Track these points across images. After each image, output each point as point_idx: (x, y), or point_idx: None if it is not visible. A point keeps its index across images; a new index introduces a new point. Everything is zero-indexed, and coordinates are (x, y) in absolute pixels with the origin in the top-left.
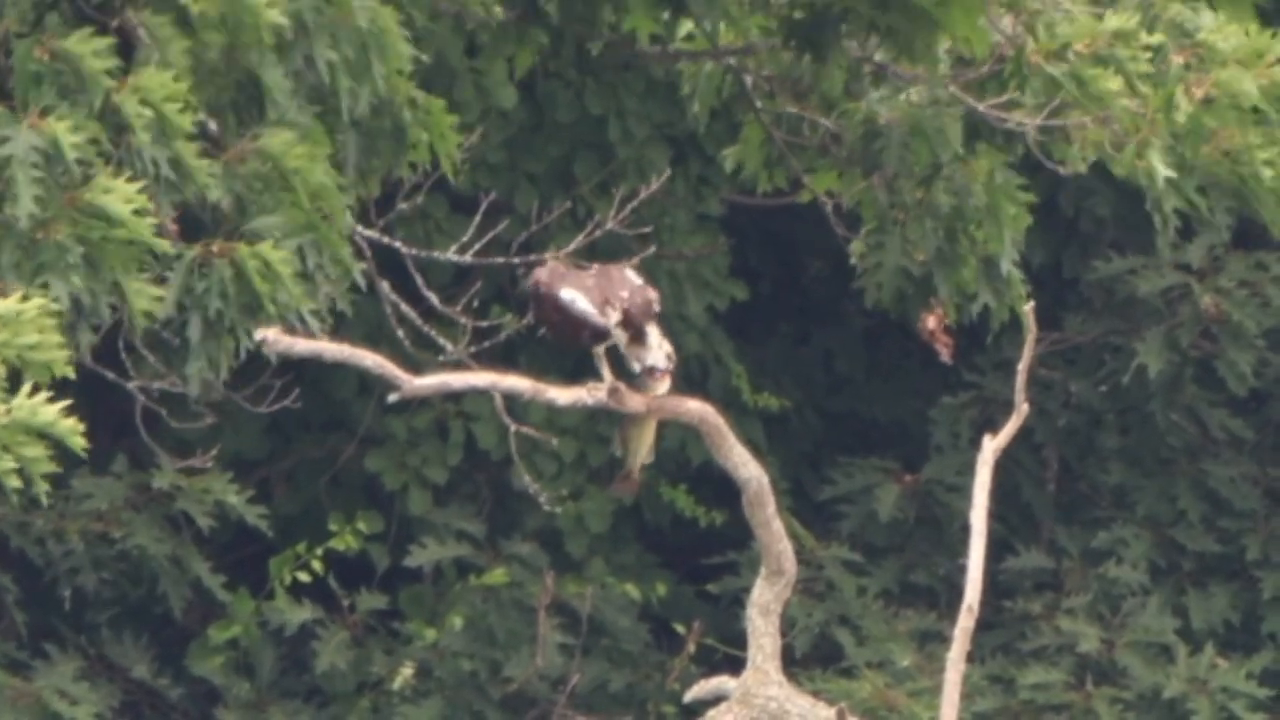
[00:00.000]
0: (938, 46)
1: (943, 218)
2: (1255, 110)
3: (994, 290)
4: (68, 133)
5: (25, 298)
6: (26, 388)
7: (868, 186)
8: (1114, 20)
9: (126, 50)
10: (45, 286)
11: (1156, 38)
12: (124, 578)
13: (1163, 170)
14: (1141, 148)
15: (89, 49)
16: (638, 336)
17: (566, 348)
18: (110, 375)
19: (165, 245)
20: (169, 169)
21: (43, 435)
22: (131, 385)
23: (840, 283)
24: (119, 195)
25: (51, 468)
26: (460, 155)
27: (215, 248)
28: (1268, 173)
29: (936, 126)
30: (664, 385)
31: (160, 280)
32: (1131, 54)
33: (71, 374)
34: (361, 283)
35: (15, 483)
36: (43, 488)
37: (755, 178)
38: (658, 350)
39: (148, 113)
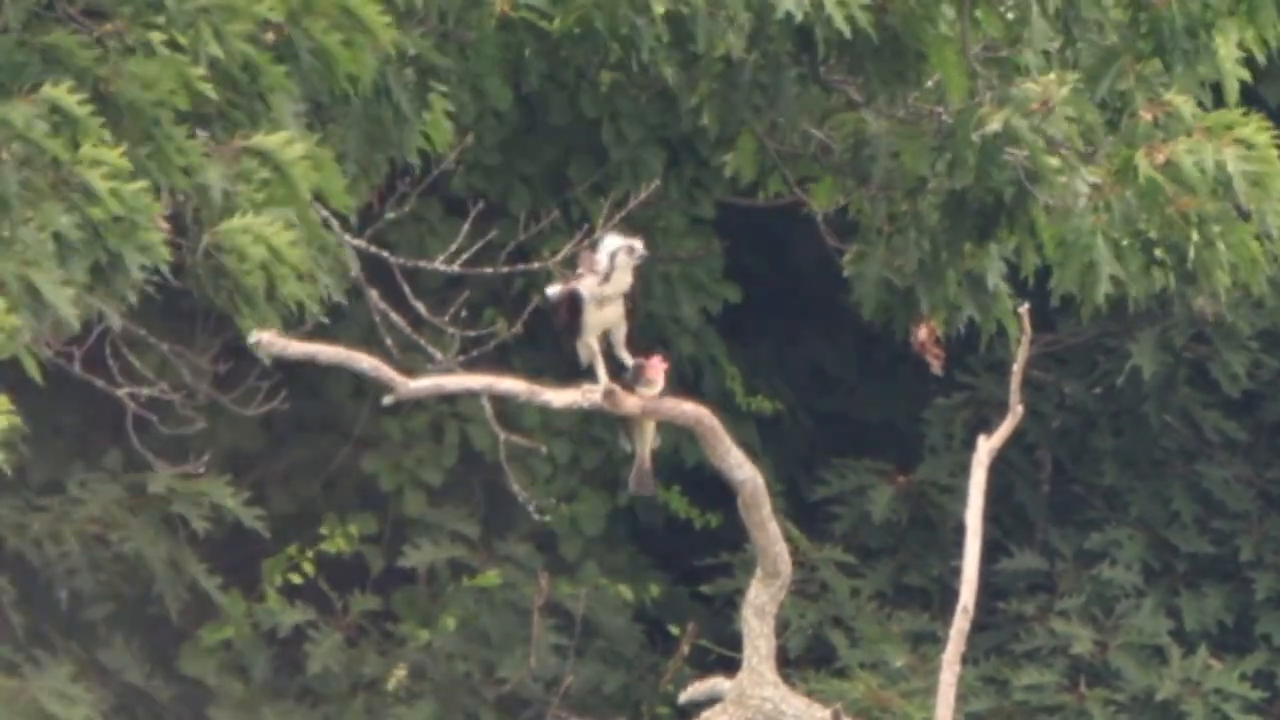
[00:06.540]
0: (924, 80)
1: (928, 230)
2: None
3: (980, 304)
4: (66, 94)
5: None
6: None
7: (859, 197)
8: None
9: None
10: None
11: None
12: (120, 579)
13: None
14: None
15: (74, 42)
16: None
17: (576, 336)
18: (99, 383)
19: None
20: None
21: None
22: (120, 393)
23: (833, 285)
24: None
25: None
26: (454, 157)
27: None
28: (1221, 246)
29: (921, 142)
30: (658, 385)
31: (155, 274)
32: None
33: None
34: (356, 273)
35: None
36: None
37: (753, 185)
38: (608, 249)
39: (143, 94)
